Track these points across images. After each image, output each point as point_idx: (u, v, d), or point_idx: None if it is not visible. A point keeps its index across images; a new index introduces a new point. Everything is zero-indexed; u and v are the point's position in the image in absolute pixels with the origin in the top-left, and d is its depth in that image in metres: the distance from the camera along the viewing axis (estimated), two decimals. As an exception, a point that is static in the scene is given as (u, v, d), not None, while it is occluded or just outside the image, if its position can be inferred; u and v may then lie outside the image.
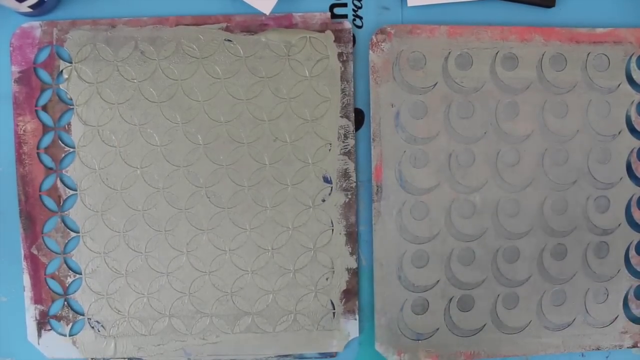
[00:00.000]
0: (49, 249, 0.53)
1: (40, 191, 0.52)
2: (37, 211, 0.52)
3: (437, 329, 0.54)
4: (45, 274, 0.53)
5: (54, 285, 0.53)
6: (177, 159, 0.53)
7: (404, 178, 0.53)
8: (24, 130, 0.52)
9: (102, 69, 0.52)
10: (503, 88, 0.54)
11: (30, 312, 0.53)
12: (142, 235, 0.53)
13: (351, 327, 0.54)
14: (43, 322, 0.53)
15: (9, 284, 0.54)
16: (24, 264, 0.52)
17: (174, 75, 0.53)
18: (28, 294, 0.52)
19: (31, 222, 0.52)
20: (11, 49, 0.52)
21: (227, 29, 0.53)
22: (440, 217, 0.54)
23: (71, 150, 0.52)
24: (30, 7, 0.50)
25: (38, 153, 0.52)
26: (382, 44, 0.53)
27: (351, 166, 0.53)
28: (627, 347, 0.56)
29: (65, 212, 0.52)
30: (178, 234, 0.53)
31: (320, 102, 0.53)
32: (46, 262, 0.53)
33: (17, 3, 0.49)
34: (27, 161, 0.52)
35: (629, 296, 0.56)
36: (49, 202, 0.53)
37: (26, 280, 0.52)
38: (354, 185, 0.54)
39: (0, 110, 0.53)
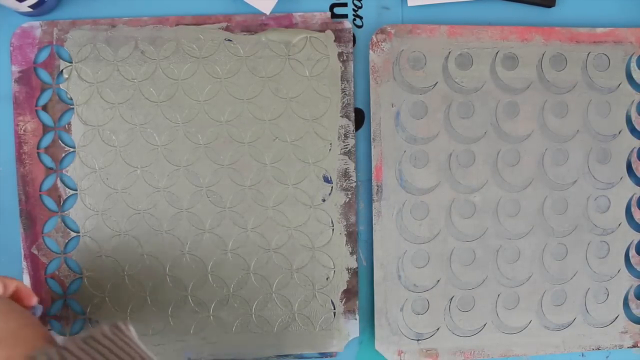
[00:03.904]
0: (49, 249, 0.52)
1: (40, 191, 0.52)
2: (37, 211, 0.52)
3: (438, 329, 0.54)
4: (45, 274, 0.53)
5: (54, 285, 0.53)
6: (178, 159, 0.53)
7: (404, 178, 0.53)
8: (24, 130, 0.52)
9: (102, 69, 0.52)
10: (503, 88, 0.54)
11: None
12: (143, 235, 0.52)
13: (351, 327, 0.54)
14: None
15: (9, 284, 0.53)
16: (24, 263, 0.52)
17: (174, 75, 0.53)
18: None
19: (31, 222, 0.52)
20: (11, 48, 0.52)
21: (227, 29, 0.53)
22: (440, 217, 0.54)
23: (71, 150, 0.52)
24: (30, 6, 0.50)
25: (38, 153, 0.52)
26: (382, 43, 0.53)
27: (351, 166, 0.53)
28: (627, 347, 0.56)
29: (66, 212, 0.52)
30: (179, 233, 0.53)
31: (321, 102, 0.53)
32: (46, 262, 0.52)
33: (17, 3, 0.49)
34: (27, 161, 0.52)
35: (629, 296, 0.56)
36: (49, 202, 0.53)
37: (26, 280, 0.52)
38: (354, 185, 0.54)
39: (0, 110, 0.53)
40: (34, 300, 0.44)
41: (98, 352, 0.34)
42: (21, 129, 0.52)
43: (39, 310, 0.45)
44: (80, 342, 0.35)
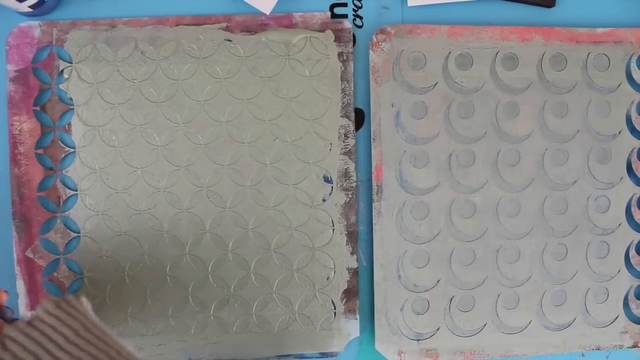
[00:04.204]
0: (47, 250, 0.52)
1: (38, 192, 0.52)
2: (33, 213, 0.52)
3: (438, 329, 0.54)
4: (42, 277, 0.52)
5: (52, 288, 0.52)
6: (178, 159, 0.53)
7: (404, 178, 0.53)
8: (19, 130, 0.52)
9: (102, 69, 0.52)
10: (503, 88, 0.54)
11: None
12: (143, 236, 0.52)
13: (352, 327, 0.54)
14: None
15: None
16: (17, 268, 0.52)
17: (174, 75, 0.52)
18: (23, 301, 0.52)
19: (26, 224, 0.52)
20: (7, 47, 0.52)
21: (227, 29, 0.53)
22: (440, 217, 0.54)
23: (71, 150, 0.52)
24: (30, 7, 0.50)
25: (37, 153, 0.52)
26: (383, 43, 0.53)
27: (351, 166, 0.53)
28: (627, 347, 0.56)
29: (66, 213, 0.52)
30: (179, 234, 0.53)
31: (321, 102, 0.53)
32: (43, 265, 0.52)
33: (17, 3, 0.48)
34: (23, 162, 0.52)
35: (629, 296, 0.56)
36: (48, 203, 0.52)
37: (20, 286, 0.52)
38: (354, 184, 0.54)
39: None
40: (3, 296, 0.41)
41: (42, 332, 0.33)
42: (16, 129, 0.52)
43: (9, 311, 0.42)
44: (24, 326, 0.34)
